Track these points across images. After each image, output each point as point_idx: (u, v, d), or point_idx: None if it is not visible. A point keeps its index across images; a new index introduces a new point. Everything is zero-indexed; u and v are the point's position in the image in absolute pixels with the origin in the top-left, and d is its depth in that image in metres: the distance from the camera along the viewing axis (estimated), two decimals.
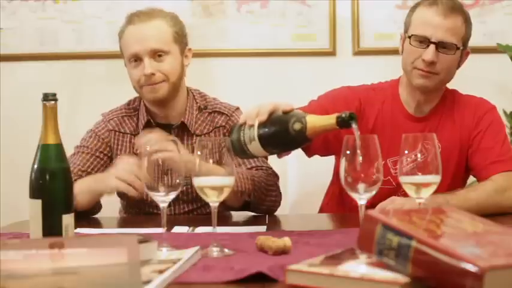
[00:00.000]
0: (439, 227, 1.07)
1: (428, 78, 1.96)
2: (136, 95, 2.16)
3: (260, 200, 1.96)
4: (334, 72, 3.13)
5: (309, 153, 2.04)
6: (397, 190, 1.84)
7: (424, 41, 1.93)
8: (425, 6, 1.96)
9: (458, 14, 1.94)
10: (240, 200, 1.93)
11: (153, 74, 1.99)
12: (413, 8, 1.99)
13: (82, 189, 1.87)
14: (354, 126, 1.41)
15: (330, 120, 1.47)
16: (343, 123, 1.44)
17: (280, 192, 2.06)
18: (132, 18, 2.04)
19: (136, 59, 2.02)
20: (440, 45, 1.92)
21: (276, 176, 2.07)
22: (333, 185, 2.22)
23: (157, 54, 2.00)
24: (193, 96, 2.14)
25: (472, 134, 2.02)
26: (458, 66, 2.02)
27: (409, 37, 1.96)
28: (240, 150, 1.57)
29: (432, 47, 1.91)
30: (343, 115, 1.44)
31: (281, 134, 1.52)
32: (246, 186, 1.91)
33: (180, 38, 2.06)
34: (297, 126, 1.50)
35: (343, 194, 2.10)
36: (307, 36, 3.14)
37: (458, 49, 1.94)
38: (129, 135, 2.11)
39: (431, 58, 1.91)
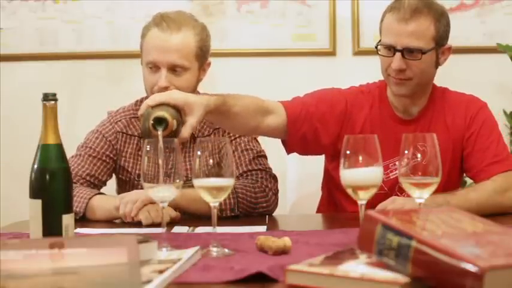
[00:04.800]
0: (439, 227, 1.07)
1: (402, 85, 1.93)
2: (142, 95, 2.14)
3: (248, 211, 1.94)
4: (334, 72, 3.13)
5: (287, 149, 2.02)
6: (390, 195, 1.80)
7: (390, 49, 1.91)
8: (389, 11, 1.92)
9: (421, 16, 1.88)
10: (224, 216, 1.89)
11: (166, 88, 1.94)
12: (384, 13, 1.96)
13: (102, 207, 1.88)
14: (159, 132, 1.45)
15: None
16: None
17: (275, 194, 2.02)
18: (160, 22, 1.98)
19: (154, 66, 1.97)
20: (406, 51, 1.88)
21: (269, 178, 2.03)
22: (323, 187, 2.21)
23: (176, 69, 1.96)
24: None
25: (466, 135, 1.99)
26: (438, 64, 1.98)
27: (376, 47, 1.94)
28: None
29: (398, 54, 1.88)
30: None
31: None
32: (227, 202, 1.89)
33: (203, 53, 2.02)
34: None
35: (335, 196, 2.10)
36: (307, 36, 3.15)
37: (426, 52, 1.89)
38: (136, 137, 2.08)
39: (398, 66, 1.89)
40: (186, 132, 1.54)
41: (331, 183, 2.12)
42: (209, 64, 2.09)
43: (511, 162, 1.95)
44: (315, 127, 1.96)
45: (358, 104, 2.03)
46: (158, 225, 1.67)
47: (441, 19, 1.92)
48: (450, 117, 2.01)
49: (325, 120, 1.97)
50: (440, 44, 1.94)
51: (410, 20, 1.87)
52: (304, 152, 2.05)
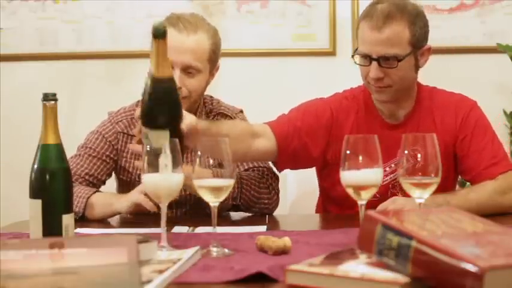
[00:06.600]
0: (439, 227, 1.07)
1: (383, 92, 1.90)
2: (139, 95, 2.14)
3: (249, 204, 1.95)
4: (334, 72, 3.13)
5: (279, 168, 2.00)
6: (382, 200, 1.75)
7: (367, 58, 1.85)
8: (363, 19, 1.87)
9: (394, 21, 1.82)
10: (225, 205, 1.89)
11: (179, 88, 1.94)
12: (359, 20, 1.90)
13: (101, 202, 1.89)
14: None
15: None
16: (155, 33, 1.39)
17: (277, 193, 2.04)
18: (176, 22, 1.96)
19: None
20: (382, 60, 1.83)
21: (273, 177, 2.04)
22: (319, 199, 2.20)
23: (189, 70, 1.96)
24: (204, 101, 2.12)
25: (459, 137, 1.95)
26: (419, 66, 1.93)
27: (352, 56, 1.90)
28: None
29: (374, 63, 1.84)
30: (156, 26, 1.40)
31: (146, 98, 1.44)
32: (231, 190, 1.90)
33: (215, 57, 2.02)
34: (147, 79, 1.44)
35: (327, 207, 2.10)
36: (307, 36, 3.15)
37: (402, 59, 1.83)
38: None
39: (376, 75, 1.84)
40: (187, 119, 1.51)
41: (322, 193, 2.13)
42: (218, 68, 2.09)
43: (508, 162, 1.94)
44: (304, 141, 1.94)
45: (343, 110, 2.00)
46: (155, 225, 1.67)
47: (416, 21, 1.86)
48: (439, 118, 1.97)
49: (312, 133, 1.95)
50: (418, 47, 1.88)
51: (383, 28, 1.81)
52: (295, 167, 2.05)
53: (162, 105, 1.43)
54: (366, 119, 1.99)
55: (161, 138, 1.40)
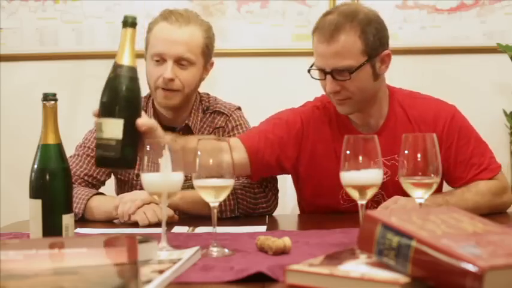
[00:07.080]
0: (439, 227, 1.07)
1: (344, 104, 1.84)
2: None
3: (248, 212, 1.95)
4: None
5: (253, 178, 1.95)
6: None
7: (322, 72, 1.81)
8: (314, 32, 1.83)
9: (343, 33, 1.76)
10: (222, 217, 1.89)
11: (172, 80, 1.95)
12: (312, 33, 1.85)
13: (102, 210, 1.88)
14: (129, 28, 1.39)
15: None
16: (123, 21, 1.40)
17: (275, 193, 2.03)
18: (169, 16, 1.98)
19: (160, 59, 1.96)
20: (335, 73, 1.77)
21: (269, 178, 2.02)
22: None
23: (182, 62, 1.96)
24: (200, 98, 2.13)
25: (442, 148, 1.82)
26: (378, 74, 1.84)
27: (309, 70, 1.83)
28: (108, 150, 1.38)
29: (328, 77, 1.78)
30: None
31: (107, 88, 1.40)
32: (227, 203, 1.90)
33: (209, 51, 2.03)
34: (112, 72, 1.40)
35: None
36: (307, 36, 3.11)
37: (355, 71, 1.76)
38: None
39: (332, 89, 1.79)
40: (152, 123, 1.44)
41: (300, 211, 2.13)
42: (212, 64, 2.09)
43: (495, 165, 1.92)
44: (277, 154, 1.92)
45: (315, 121, 1.96)
46: (155, 225, 1.68)
47: (368, 29, 1.78)
48: (417, 126, 1.91)
49: (284, 145, 1.93)
50: (373, 55, 1.80)
51: (332, 40, 1.76)
52: (270, 175, 2.02)
53: (118, 93, 1.39)
54: (339, 130, 1.92)
55: (114, 129, 1.36)
